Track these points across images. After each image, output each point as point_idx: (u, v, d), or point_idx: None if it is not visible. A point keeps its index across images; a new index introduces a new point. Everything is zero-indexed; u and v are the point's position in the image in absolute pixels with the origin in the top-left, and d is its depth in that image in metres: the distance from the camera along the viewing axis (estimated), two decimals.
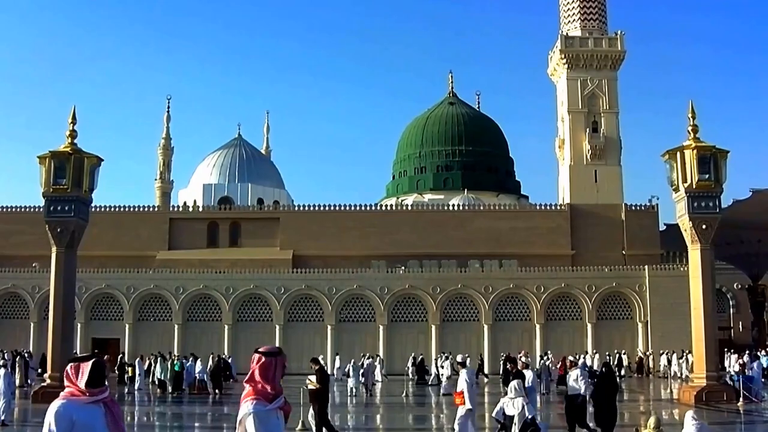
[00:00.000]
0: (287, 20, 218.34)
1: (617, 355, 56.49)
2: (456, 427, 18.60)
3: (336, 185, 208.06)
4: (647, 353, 60.46)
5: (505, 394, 20.31)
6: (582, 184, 79.22)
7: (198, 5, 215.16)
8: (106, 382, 6.35)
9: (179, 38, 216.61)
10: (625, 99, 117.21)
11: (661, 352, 58.41)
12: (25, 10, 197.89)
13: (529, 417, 18.61)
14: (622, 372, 53.82)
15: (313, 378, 20.73)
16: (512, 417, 19.05)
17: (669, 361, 56.16)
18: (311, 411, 20.65)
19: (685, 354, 52.58)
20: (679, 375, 53.26)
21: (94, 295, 62.97)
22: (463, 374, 19.14)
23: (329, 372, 41.70)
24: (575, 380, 20.84)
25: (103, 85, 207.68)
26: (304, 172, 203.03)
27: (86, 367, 6.17)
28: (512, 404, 19.16)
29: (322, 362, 24.99)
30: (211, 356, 45.36)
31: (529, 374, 22.04)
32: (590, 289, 62.96)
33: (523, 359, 21.81)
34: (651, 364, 60.08)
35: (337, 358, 57.19)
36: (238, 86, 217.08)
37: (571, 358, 34.51)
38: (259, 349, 6.55)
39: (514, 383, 19.67)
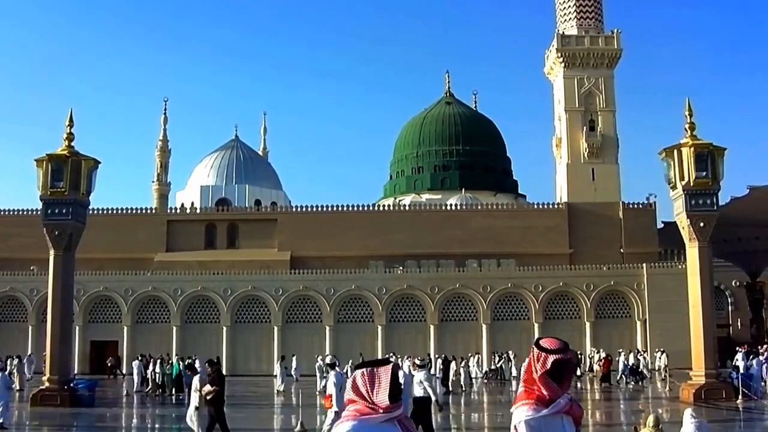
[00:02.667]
0: (284, 21, 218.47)
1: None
2: (325, 429, 18.56)
3: (333, 186, 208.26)
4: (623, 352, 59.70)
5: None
6: (579, 183, 79.30)
7: (194, 7, 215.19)
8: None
9: (176, 40, 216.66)
10: (621, 97, 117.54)
11: (630, 351, 57.61)
12: (21, 12, 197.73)
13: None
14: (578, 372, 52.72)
15: (209, 387, 20.12)
16: None
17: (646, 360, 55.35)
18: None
19: (658, 353, 52.91)
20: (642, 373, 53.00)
21: (92, 298, 62.91)
22: (331, 376, 19.04)
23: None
24: (419, 383, 19.26)
25: (100, 87, 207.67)
26: (301, 172, 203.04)
27: (384, 374, 4.89)
28: None
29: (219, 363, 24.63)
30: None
31: (419, 375, 20.80)
32: (588, 288, 62.97)
33: (417, 361, 21.35)
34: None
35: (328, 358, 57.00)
36: (235, 87, 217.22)
37: (602, 354, 34.54)
38: (541, 344, 5.43)
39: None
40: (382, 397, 4.80)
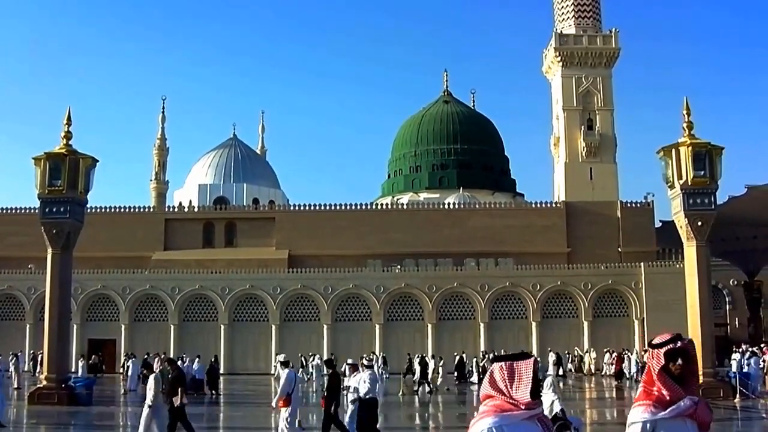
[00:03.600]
0: (282, 19, 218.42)
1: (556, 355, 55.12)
2: (282, 427, 18.49)
3: (331, 185, 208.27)
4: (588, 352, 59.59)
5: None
6: (577, 182, 79.42)
7: (192, 5, 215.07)
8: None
9: (174, 38, 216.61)
10: (619, 96, 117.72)
11: (605, 350, 57.42)
12: (19, 10, 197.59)
13: (559, 411, 18.59)
14: (560, 371, 52.52)
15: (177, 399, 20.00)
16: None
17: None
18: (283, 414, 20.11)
19: (624, 353, 53.08)
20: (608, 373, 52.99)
21: (90, 296, 62.88)
22: (284, 375, 19.00)
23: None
24: (363, 382, 19.22)
25: (98, 85, 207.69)
26: (299, 171, 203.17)
27: (525, 369, 4.61)
28: (545, 399, 19.09)
29: (179, 363, 24.51)
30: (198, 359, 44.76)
31: (364, 374, 20.66)
32: (586, 287, 62.97)
33: (365, 361, 21.32)
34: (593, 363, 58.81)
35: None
36: (233, 86, 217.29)
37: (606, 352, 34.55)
38: (653, 342, 5.21)
39: (548, 379, 19.53)
40: (523, 392, 4.55)
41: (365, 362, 20.65)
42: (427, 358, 45.53)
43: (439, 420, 31.93)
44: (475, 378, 49.06)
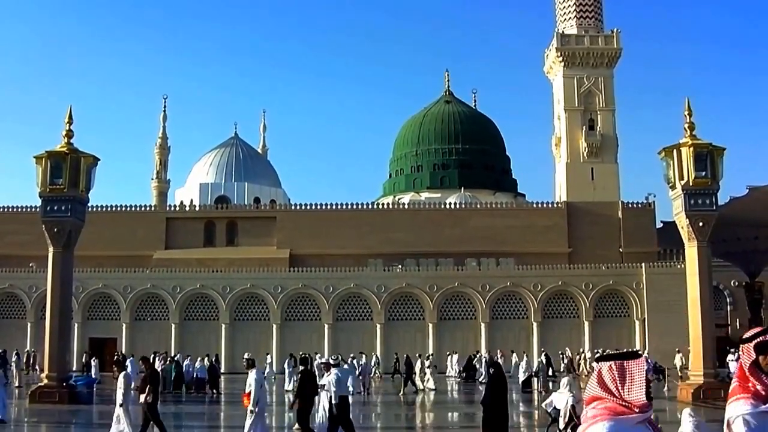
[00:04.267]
0: (283, 19, 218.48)
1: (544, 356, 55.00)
2: (245, 428, 18.45)
3: (333, 184, 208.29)
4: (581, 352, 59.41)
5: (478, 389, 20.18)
6: (579, 182, 79.44)
7: (194, 5, 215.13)
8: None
9: (175, 37, 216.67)
10: (621, 96, 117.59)
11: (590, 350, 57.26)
12: (20, 9, 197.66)
13: (570, 408, 18.68)
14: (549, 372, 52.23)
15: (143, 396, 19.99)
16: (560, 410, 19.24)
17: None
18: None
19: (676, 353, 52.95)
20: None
21: (91, 295, 62.91)
22: (251, 375, 18.97)
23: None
24: (332, 380, 19.51)
25: (99, 84, 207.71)
26: (300, 170, 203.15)
27: (637, 369, 4.35)
28: (560, 399, 19.21)
29: (151, 361, 24.41)
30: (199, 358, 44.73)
31: (330, 373, 20.73)
32: (587, 287, 62.98)
33: (331, 360, 21.33)
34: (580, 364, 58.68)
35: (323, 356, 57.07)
36: (235, 85, 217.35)
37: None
38: (743, 337, 4.90)
39: (565, 379, 19.67)
40: (637, 394, 4.28)
41: (331, 361, 20.69)
42: (412, 358, 45.53)
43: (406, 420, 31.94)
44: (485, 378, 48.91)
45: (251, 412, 18.38)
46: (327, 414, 19.53)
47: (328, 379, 19.50)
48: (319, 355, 51.30)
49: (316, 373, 24.71)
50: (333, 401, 19.27)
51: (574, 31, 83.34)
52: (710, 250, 34.28)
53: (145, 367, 20.75)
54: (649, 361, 50.02)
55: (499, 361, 52.38)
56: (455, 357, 55.15)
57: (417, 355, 48.29)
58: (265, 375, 46.33)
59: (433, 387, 41.18)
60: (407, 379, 41.74)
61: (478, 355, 55.01)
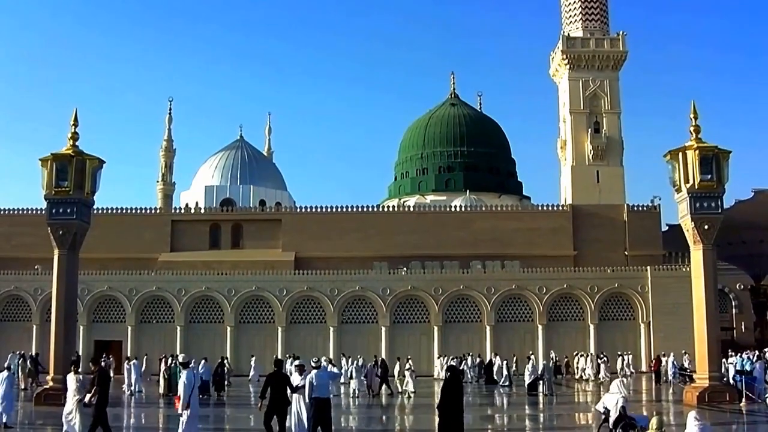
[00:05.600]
0: (289, 22, 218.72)
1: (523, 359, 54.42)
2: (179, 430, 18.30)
3: (338, 187, 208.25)
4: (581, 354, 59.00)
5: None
6: (584, 185, 79.36)
7: (199, 7, 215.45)
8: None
9: (181, 40, 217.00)
10: (626, 99, 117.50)
11: (581, 354, 56.73)
12: (26, 12, 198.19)
13: (621, 408, 18.96)
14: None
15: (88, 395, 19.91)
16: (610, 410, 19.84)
17: (597, 365, 54.31)
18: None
19: (594, 357, 53.14)
20: (592, 378, 52.75)
21: (96, 297, 63.00)
22: (183, 376, 18.92)
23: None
24: (311, 382, 19.55)
25: (104, 87, 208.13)
26: (306, 173, 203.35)
27: None
28: (610, 399, 19.86)
29: (102, 363, 24.35)
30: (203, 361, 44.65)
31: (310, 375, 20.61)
32: (592, 290, 62.91)
33: (312, 362, 21.31)
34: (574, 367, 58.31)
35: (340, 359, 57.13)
36: (240, 88, 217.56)
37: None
38: None
39: (616, 381, 20.40)
40: None
41: (312, 363, 20.69)
42: (403, 358, 45.57)
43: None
44: (507, 380, 48.76)
45: (185, 413, 18.21)
46: (297, 416, 19.50)
47: (309, 380, 19.49)
48: (291, 359, 51.15)
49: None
50: (306, 402, 19.27)
51: (580, 34, 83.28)
52: (715, 253, 34.19)
53: (94, 368, 20.72)
54: (674, 363, 50.34)
55: (493, 360, 52.60)
56: (444, 359, 55.59)
57: (397, 358, 48.45)
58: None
59: (413, 390, 40.97)
60: (382, 382, 41.74)
61: (466, 358, 55.25)
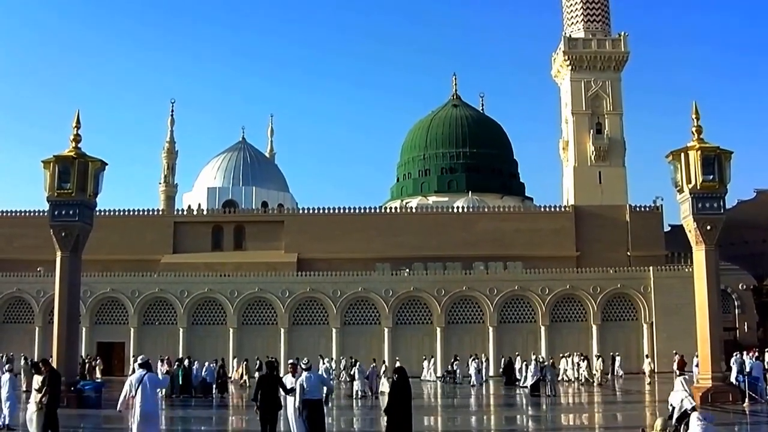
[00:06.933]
0: (291, 23, 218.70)
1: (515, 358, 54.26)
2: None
3: (340, 188, 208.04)
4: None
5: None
6: (586, 186, 79.30)
7: (201, 8, 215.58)
8: None
9: (183, 41, 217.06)
10: (628, 100, 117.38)
11: (562, 355, 56.36)
12: (28, 13, 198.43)
13: (689, 408, 19.12)
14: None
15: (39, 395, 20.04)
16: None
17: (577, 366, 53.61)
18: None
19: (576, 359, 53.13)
20: (577, 378, 52.53)
21: (99, 299, 63.06)
22: (134, 375, 18.74)
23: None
24: (300, 385, 19.46)
25: (107, 88, 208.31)
26: (308, 175, 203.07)
27: None
28: (675, 397, 20.16)
29: (52, 363, 24.36)
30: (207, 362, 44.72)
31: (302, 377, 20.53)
32: (595, 291, 62.92)
33: (302, 364, 21.21)
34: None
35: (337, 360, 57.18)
36: (242, 89, 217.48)
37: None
38: None
39: (679, 379, 20.65)
40: None
41: (303, 365, 20.62)
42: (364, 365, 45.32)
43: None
44: (528, 381, 45.43)
45: (139, 415, 17.44)
46: (294, 417, 19.49)
47: (300, 381, 19.43)
48: (326, 359, 51.25)
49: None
50: (298, 405, 19.24)
51: (582, 35, 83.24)
52: (718, 253, 34.15)
53: (45, 369, 20.75)
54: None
55: (513, 360, 52.48)
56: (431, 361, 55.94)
57: (373, 359, 48.51)
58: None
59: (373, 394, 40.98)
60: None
61: (457, 360, 55.36)
